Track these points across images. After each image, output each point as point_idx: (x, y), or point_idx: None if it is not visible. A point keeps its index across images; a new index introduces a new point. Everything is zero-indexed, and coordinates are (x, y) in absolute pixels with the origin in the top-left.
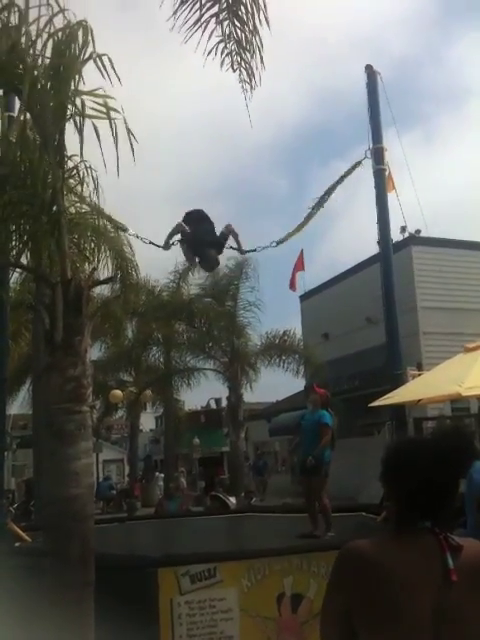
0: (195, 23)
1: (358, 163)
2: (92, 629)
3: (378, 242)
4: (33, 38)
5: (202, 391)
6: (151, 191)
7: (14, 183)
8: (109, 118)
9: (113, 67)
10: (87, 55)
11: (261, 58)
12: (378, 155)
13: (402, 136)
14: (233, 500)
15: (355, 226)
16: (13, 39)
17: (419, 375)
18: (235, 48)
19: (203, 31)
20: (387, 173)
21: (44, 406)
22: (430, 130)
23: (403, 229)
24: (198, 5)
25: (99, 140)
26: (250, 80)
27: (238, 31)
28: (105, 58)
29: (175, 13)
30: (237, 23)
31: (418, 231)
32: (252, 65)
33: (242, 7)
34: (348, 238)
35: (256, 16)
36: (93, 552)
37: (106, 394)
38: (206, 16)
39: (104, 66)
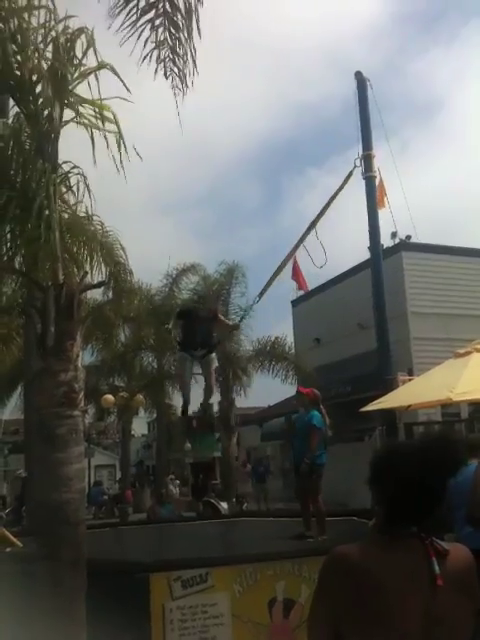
0: (131, 26)
1: (349, 175)
2: (84, 635)
3: (369, 248)
4: (34, 43)
5: (194, 396)
6: (130, 201)
7: (6, 186)
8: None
9: (118, 76)
10: (90, 63)
11: (194, 64)
12: (368, 162)
13: (379, 148)
14: (225, 505)
15: (347, 231)
16: (13, 42)
17: (410, 380)
18: (169, 55)
19: (139, 37)
20: (377, 181)
21: (36, 411)
22: (403, 143)
23: (394, 235)
24: (135, 9)
25: (93, 147)
26: (182, 87)
27: (172, 38)
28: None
29: (111, 13)
30: (172, 30)
31: (408, 237)
32: (185, 72)
33: (178, 14)
34: (340, 243)
35: (192, 23)
36: (85, 557)
37: (98, 399)
38: (142, 21)
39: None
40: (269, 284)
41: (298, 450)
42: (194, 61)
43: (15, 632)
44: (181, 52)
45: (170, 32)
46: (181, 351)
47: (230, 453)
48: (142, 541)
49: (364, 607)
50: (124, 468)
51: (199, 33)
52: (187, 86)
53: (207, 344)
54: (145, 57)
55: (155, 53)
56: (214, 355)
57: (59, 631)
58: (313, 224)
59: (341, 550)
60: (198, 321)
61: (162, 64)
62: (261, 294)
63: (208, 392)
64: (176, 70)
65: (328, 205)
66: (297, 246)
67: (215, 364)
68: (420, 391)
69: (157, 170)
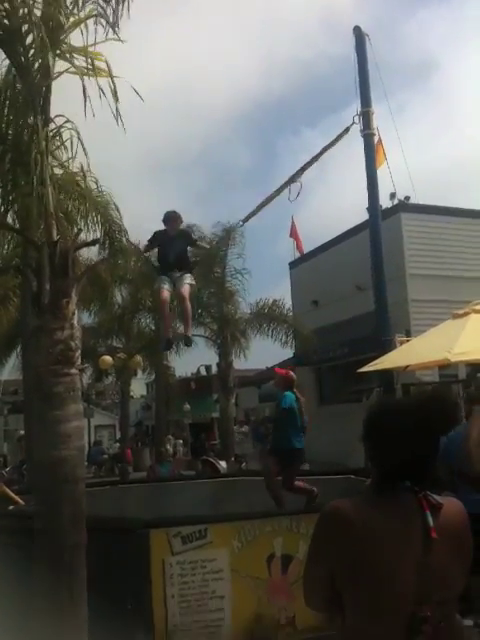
0: None
1: (346, 130)
2: (84, 589)
3: (367, 208)
4: None
5: (192, 358)
6: (122, 160)
7: None
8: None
9: (112, 27)
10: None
11: (128, 9)
12: (366, 119)
13: (377, 107)
14: (224, 464)
15: (345, 193)
16: None
17: (407, 342)
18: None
19: None
20: (376, 139)
21: (33, 369)
22: (399, 105)
23: (392, 196)
24: None
25: (85, 100)
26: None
27: None
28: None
29: None
30: None
31: (407, 198)
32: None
33: None
34: (338, 204)
35: None
36: (84, 514)
37: (96, 360)
38: None
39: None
40: (256, 212)
41: (273, 434)
42: (128, 6)
43: (16, 588)
44: None
45: None
46: (159, 276)
47: (228, 414)
48: (142, 499)
49: (359, 560)
50: (124, 428)
51: None
52: (117, 32)
53: (183, 264)
54: None
55: None
56: (191, 275)
57: (60, 586)
58: (306, 166)
59: (335, 504)
60: (169, 240)
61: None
62: (246, 219)
63: (182, 304)
64: (105, 11)
65: (322, 153)
66: (287, 183)
67: (190, 281)
68: (418, 352)
69: (149, 128)
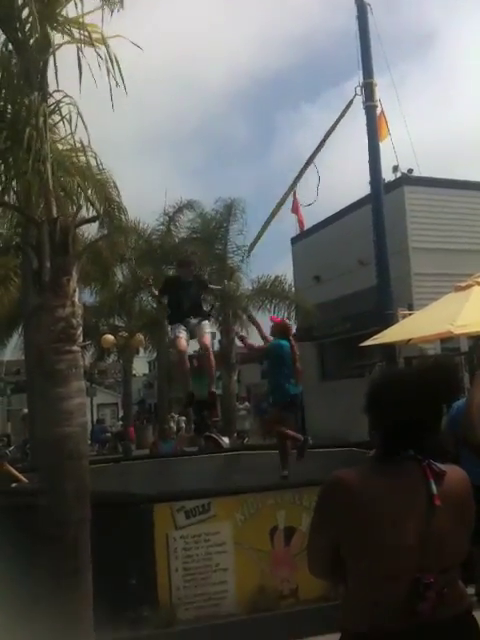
0: None
1: (350, 104)
2: (89, 564)
3: (370, 182)
4: None
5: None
6: (120, 138)
7: None
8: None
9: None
10: None
11: None
12: (368, 90)
13: (379, 78)
14: (226, 440)
15: (348, 166)
16: None
17: (410, 316)
18: None
19: None
20: (379, 111)
21: (35, 347)
22: (401, 77)
23: (395, 169)
24: None
25: (80, 72)
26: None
27: None
28: None
29: None
30: None
31: (410, 170)
32: None
33: None
34: (341, 178)
35: None
36: (88, 489)
37: (99, 339)
38: None
39: None
40: (262, 233)
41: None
42: None
43: (21, 564)
44: None
45: None
46: (172, 324)
47: (231, 390)
48: (146, 475)
49: (364, 530)
50: (126, 407)
51: None
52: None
53: (199, 311)
54: None
55: None
56: (208, 322)
57: (65, 561)
58: (310, 159)
59: (339, 474)
60: (182, 287)
61: None
62: (252, 247)
63: (206, 357)
64: None
65: (327, 137)
66: (292, 187)
67: (210, 330)
68: (420, 325)
69: (148, 103)
